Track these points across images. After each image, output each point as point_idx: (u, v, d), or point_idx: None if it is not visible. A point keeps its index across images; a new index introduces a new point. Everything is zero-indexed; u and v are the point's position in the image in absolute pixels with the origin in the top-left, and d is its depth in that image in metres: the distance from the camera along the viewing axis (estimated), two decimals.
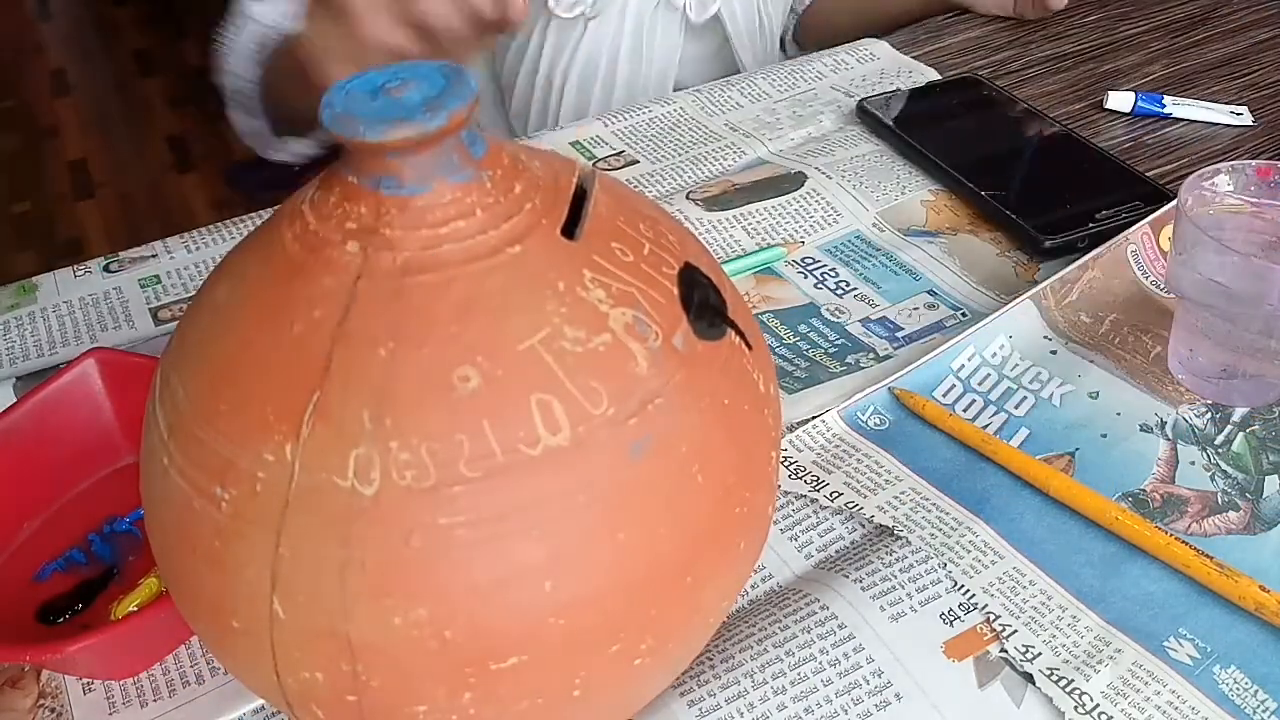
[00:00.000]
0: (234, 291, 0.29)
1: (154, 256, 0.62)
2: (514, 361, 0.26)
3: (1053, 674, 0.38)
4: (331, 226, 0.28)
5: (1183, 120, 0.69)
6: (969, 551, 0.42)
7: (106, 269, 0.61)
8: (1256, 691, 0.37)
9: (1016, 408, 0.48)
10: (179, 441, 0.28)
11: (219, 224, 0.64)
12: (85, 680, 0.40)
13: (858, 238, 0.60)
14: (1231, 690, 0.37)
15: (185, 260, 0.61)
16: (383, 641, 0.26)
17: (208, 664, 0.40)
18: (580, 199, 0.30)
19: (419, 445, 0.25)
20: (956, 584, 0.41)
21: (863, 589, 0.40)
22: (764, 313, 0.55)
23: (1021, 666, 0.38)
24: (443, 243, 0.27)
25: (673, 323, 0.29)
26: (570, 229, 0.29)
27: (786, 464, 0.46)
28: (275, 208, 0.33)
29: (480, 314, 0.26)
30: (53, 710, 0.39)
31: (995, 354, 0.51)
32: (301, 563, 0.26)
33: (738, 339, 0.31)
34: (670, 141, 0.69)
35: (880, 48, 0.79)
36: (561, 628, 0.27)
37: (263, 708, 0.39)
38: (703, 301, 0.30)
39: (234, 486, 0.27)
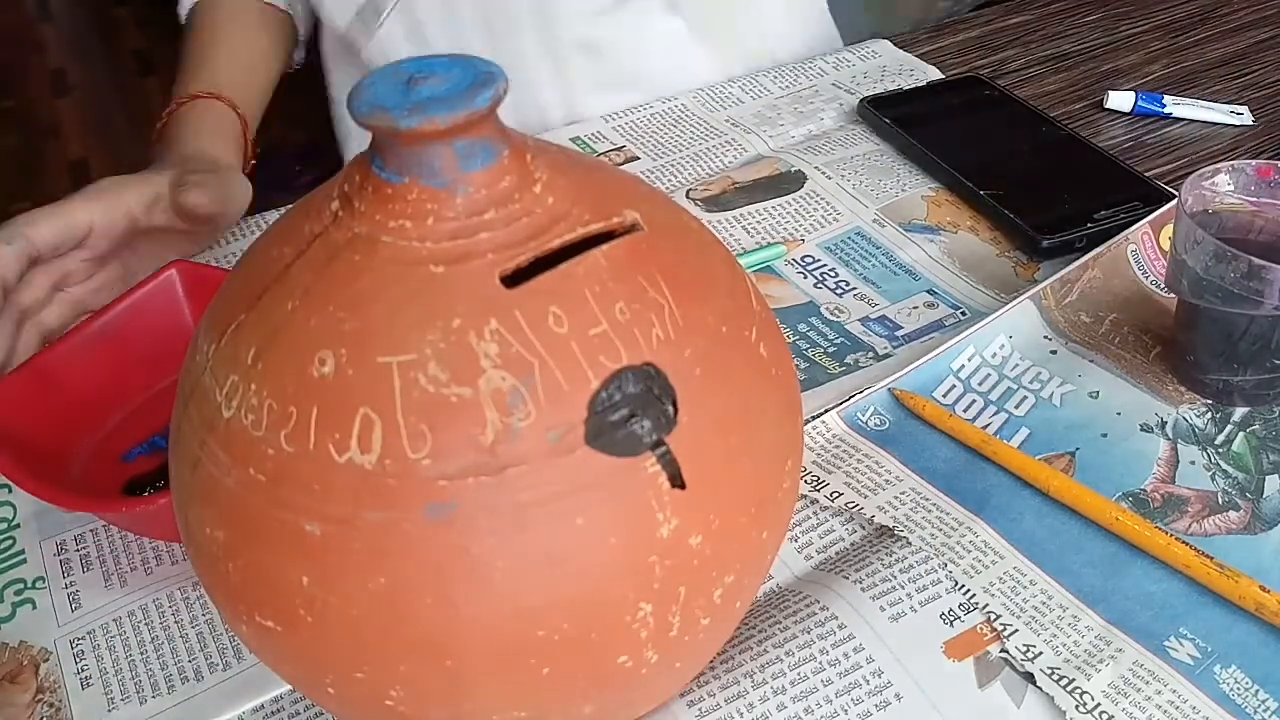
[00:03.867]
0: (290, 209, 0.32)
1: None
2: (367, 369, 0.26)
3: (1054, 673, 0.38)
4: (333, 186, 0.30)
5: (1183, 120, 0.69)
6: (969, 551, 0.42)
7: None
8: (1257, 691, 0.37)
9: (1017, 408, 0.48)
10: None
11: None
12: (83, 676, 0.40)
13: (858, 234, 0.60)
14: (1232, 690, 0.37)
15: None
16: (198, 539, 0.29)
17: (205, 659, 0.40)
18: (576, 249, 0.28)
19: (267, 398, 0.27)
20: (957, 584, 0.41)
21: (862, 589, 0.40)
22: None
23: (1022, 666, 0.38)
24: (382, 234, 0.28)
25: (562, 414, 0.26)
26: (521, 274, 0.27)
27: None
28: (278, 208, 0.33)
29: (367, 313, 0.27)
30: (51, 705, 0.39)
31: (995, 354, 0.51)
32: (183, 440, 0.30)
33: (654, 468, 0.27)
34: (671, 137, 0.70)
35: (882, 46, 0.79)
36: (308, 624, 0.28)
37: (262, 706, 0.39)
38: (626, 411, 0.27)
39: (189, 361, 0.31)
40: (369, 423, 0.26)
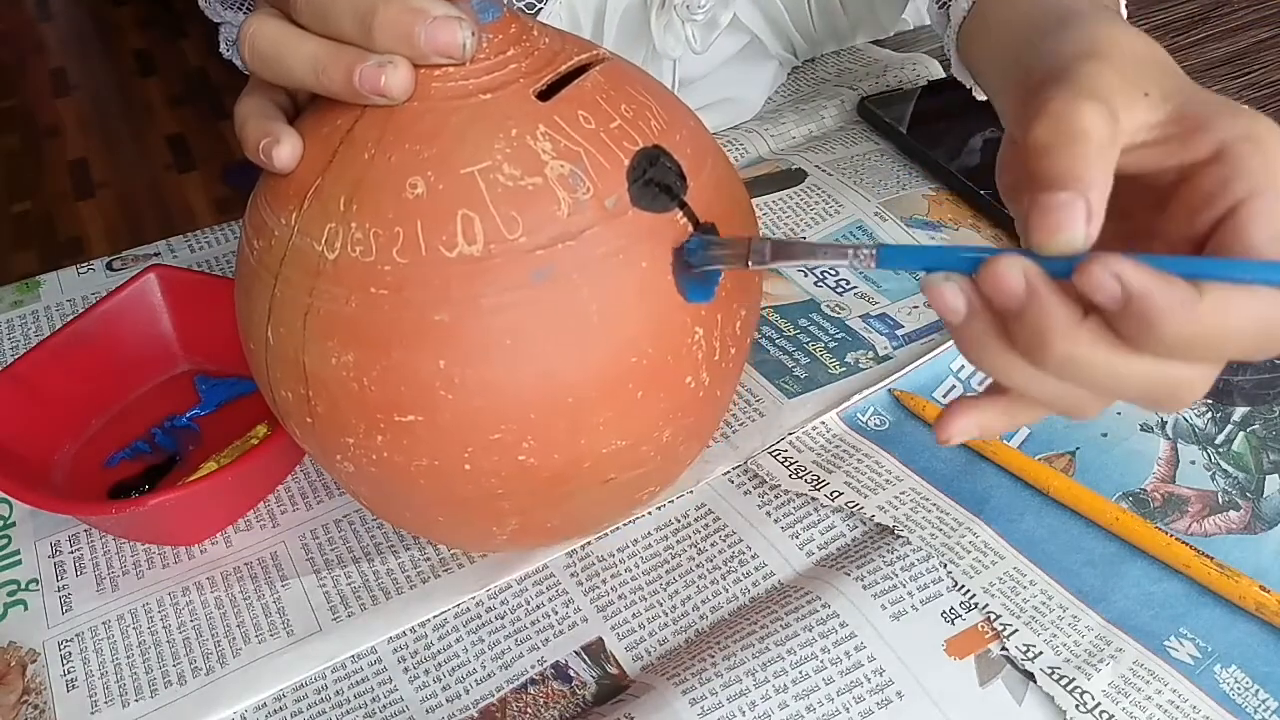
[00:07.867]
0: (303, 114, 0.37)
1: (156, 255, 0.61)
2: (454, 181, 0.32)
3: (1054, 673, 0.37)
4: None
5: None
6: (969, 552, 0.42)
7: (109, 267, 0.61)
8: (1257, 691, 0.37)
9: None
10: (249, 209, 0.37)
11: (224, 224, 0.64)
12: (69, 678, 0.40)
13: (859, 228, 0.60)
14: (1232, 689, 0.37)
15: (189, 260, 0.61)
16: (324, 375, 0.33)
17: (190, 664, 0.40)
18: (576, 74, 0.35)
19: (369, 229, 0.32)
20: (956, 584, 0.40)
21: (864, 587, 0.40)
22: (764, 307, 0.55)
23: (1022, 665, 0.38)
24: (432, 82, 0.33)
25: (611, 186, 0.33)
26: (545, 93, 0.34)
27: (787, 464, 0.46)
28: None
29: (440, 141, 0.33)
30: (36, 707, 0.39)
31: None
32: (285, 302, 0.34)
33: (684, 220, 0.35)
34: None
35: (882, 46, 0.78)
36: (449, 402, 0.32)
37: (264, 704, 0.39)
38: (651, 179, 0.34)
39: (261, 239, 0.35)
40: (469, 220, 0.32)
